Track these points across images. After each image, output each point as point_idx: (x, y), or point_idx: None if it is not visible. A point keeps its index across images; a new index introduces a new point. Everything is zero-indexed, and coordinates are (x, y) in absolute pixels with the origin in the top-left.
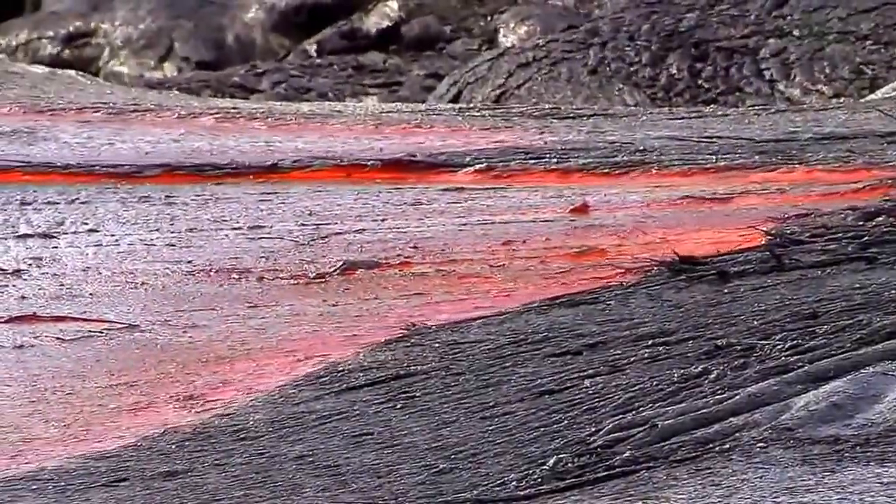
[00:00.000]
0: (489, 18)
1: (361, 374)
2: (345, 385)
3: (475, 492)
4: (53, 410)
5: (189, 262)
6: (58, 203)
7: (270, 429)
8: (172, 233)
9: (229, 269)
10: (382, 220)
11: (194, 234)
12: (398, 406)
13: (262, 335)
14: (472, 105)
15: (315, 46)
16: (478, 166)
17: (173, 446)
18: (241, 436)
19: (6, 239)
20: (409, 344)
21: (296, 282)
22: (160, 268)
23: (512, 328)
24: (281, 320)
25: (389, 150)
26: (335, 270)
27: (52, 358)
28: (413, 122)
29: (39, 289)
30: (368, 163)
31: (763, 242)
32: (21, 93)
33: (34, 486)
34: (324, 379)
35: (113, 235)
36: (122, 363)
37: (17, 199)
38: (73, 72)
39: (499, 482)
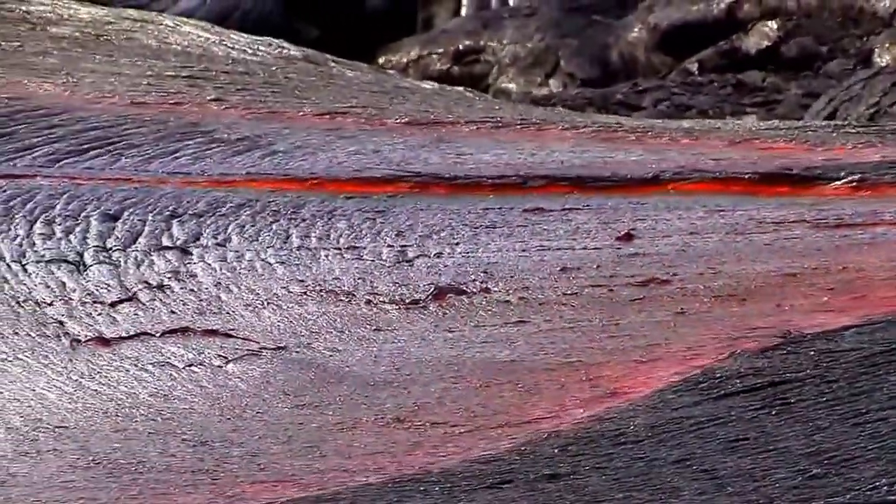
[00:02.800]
0: (865, 39)
1: (738, 381)
2: (722, 391)
3: (847, 496)
4: (258, 430)
5: (301, 281)
6: (201, 215)
7: (650, 434)
8: (284, 250)
9: (336, 291)
10: (457, 244)
11: (302, 252)
12: (773, 412)
13: (407, 359)
14: (846, 122)
15: (696, 65)
16: (850, 179)
17: (556, 450)
18: (622, 440)
19: (150, 252)
20: (784, 352)
21: (397, 306)
22: (276, 287)
23: (884, 337)
24: (413, 345)
25: (766, 164)
26: (428, 296)
27: (223, 377)
28: (789, 137)
29: (183, 304)
30: (746, 175)
31: None
32: (411, 107)
33: (422, 488)
34: (703, 385)
35: (236, 251)
36: (292, 384)
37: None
38: (461, 88)
39: (870, 487)
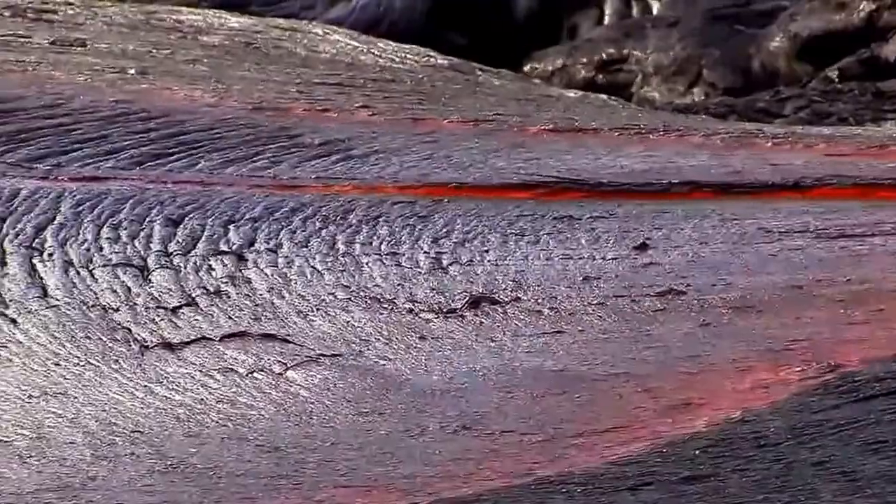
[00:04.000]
0: None
1: (877, 385)
2: (861, 395)
3: None
4: (328, 436)
5: (346, 287)
6: (257, 220)
7: (790, 436)
8: (330, 256)
9: (379, 298)
10: (487, 252)
11: (346, 258)
12: None
13: (457, 368)
14: None
15: (837, 73)
16: None
17: (697, 452)
18: (762, 442)
19: (208, 257)
20: None
21: (436, 315)
22: (324, 293)
23: None
24: (458, 354)
25: None
26: (464, 305)
27: (284, 384)
28: None
29: (239, 310)
30: (886, 181)
31: None
32: (555, 115)
33: (563, 490)
34: (842, 388)
35: (286, 257)
36: (352, 391)
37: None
38: (604, 96)
39: None
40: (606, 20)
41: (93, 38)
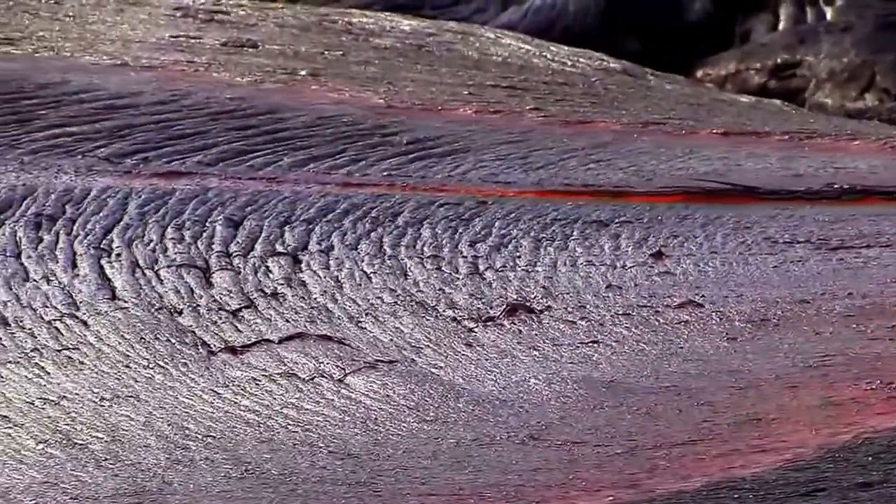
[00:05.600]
0: None
1: None
2: None
3: None
4: (398, 443)
5: (392, 290)
6: (311, 222)
7: None
8: (378, 259)
9: (423, 303)
10: (518, 258)
11: (392, 261)
12: None
13: (508, 377)
14: None
15: None
16: None
17: (869, 458)
18: None
19: (266, 258)
20: None
21: (476, 323)
22: (372, 297)
23: None
24: (505, 363)
25: None
26: (501, 313)
27: (346, 390)
28: None
29: (295, 312)
30: None
31: None
32: (727, 119)
33: (736, 495)
34: None
35: (337, 259)
36: (412, 399)
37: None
38: (777, 101)
39: None
40: (781, 25)
41: (264, 39)
